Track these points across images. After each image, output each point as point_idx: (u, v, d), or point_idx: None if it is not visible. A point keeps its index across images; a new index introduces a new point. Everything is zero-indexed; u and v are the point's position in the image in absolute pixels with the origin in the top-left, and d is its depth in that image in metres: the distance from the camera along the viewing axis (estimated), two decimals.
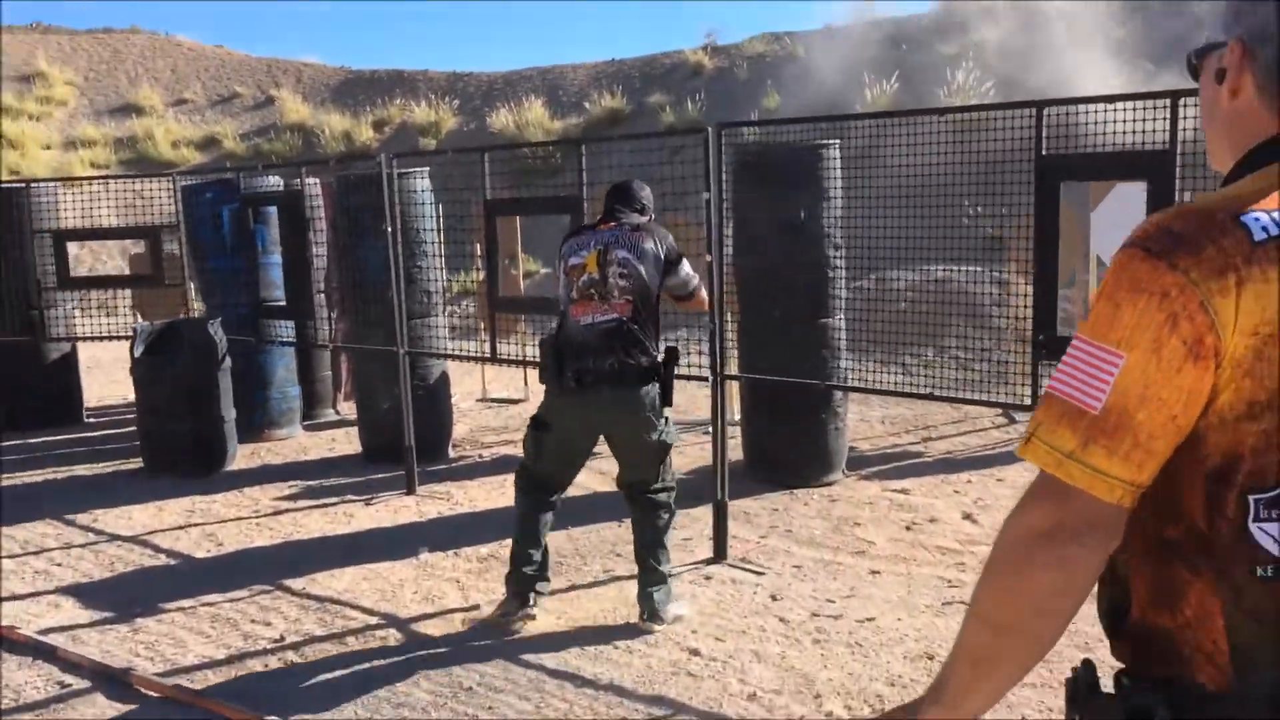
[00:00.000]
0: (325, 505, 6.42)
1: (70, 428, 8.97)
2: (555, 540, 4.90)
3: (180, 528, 6.10)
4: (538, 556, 4.41)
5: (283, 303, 7.79)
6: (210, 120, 23.01)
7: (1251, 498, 1.13)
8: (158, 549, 5.75)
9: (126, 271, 9.29)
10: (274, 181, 8.19)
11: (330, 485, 6.88)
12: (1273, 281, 1.09)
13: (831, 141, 6.19)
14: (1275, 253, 1.10)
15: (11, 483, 7.29)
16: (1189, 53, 1.32)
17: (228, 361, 7.36)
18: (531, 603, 4.42)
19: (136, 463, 7.51)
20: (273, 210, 7.83)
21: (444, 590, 4.92)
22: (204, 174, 7.93)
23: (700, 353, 5.46)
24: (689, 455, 6.83)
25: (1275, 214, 1.12)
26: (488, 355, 6.54)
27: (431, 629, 4.50)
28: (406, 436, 6.49)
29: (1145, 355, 1.11)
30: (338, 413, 9.11)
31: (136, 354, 7.19)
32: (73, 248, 8.82)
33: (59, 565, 5.54)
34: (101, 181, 8.09)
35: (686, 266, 4.33)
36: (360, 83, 23.86)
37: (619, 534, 5.39)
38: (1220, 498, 1.14)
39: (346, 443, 8.04)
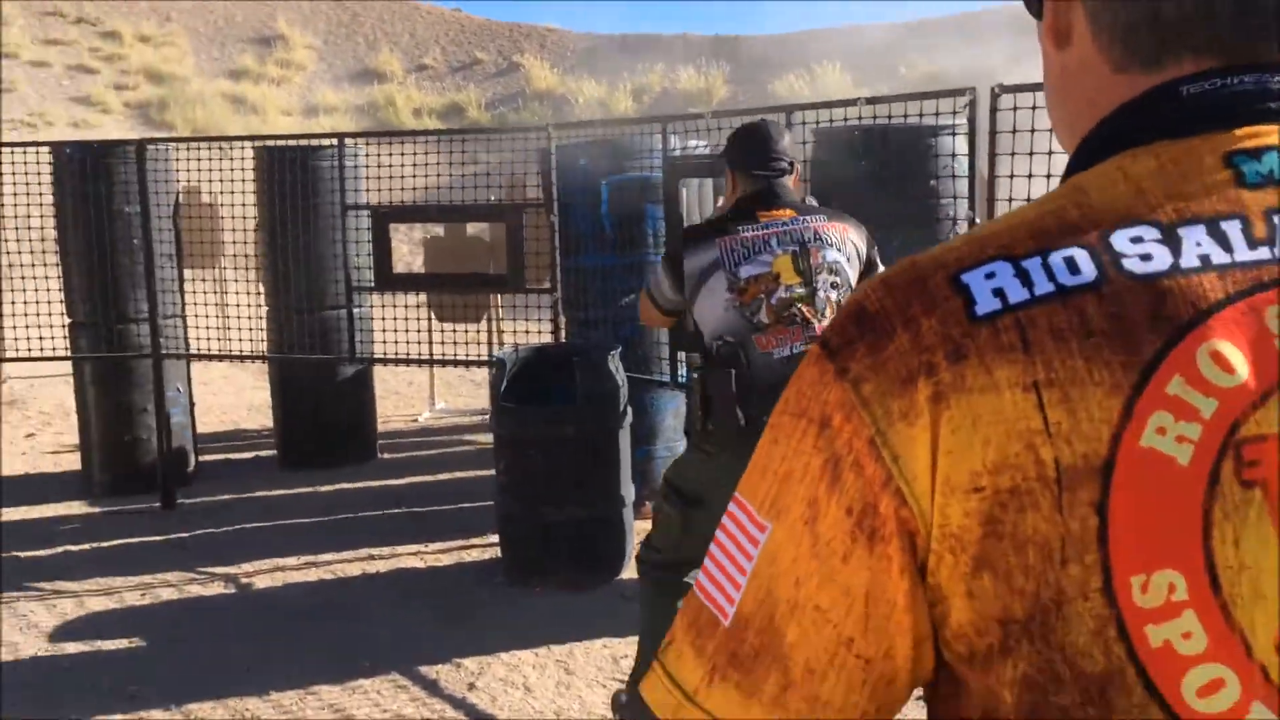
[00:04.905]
0: None
1: (361, 467, 6.74)
2: None
3: None
4: None
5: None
6: (451, 87, 21.13)
7: None
8: None
9: (419, 263, 6.90)
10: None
11: None
12: (1006, 389, 0.55)
13: None
14: (1015, 335, 0.56)
15: (301, 576, 4.97)
16: None
17: (629, 415, 4.84)
18: None
19: (478, 547, 5.12)
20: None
21: None
22: (568, 130, 5.42)
23: None
24: None
25: (1036, 261, 0.57)
26: None
27: None
28: None
29: (796, 530, 0.59)
30: None
31: (499, 395, 4.75)
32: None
33: None
34: (433, 139, 5.63)
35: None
36: (610, 47, 21.56)
37: None
38: None
39: None
